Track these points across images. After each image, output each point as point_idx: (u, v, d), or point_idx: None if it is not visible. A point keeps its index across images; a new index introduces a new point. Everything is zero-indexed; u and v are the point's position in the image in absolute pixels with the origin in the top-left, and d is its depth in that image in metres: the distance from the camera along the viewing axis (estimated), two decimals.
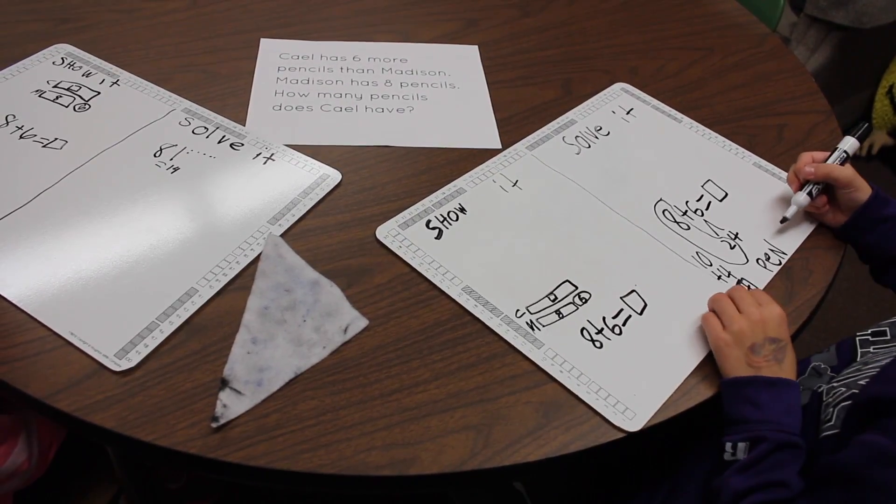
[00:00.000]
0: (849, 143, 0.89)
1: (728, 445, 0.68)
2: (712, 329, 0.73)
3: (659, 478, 0.82)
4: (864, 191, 0.84)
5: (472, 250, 0.82)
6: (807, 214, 0.91)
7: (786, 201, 0.93)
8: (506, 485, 0.94)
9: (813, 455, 0.68)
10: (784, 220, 0.88)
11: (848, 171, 0.84)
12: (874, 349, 0.74)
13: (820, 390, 0.74)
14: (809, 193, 0.86)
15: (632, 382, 0.72)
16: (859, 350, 0.75)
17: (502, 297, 0.77)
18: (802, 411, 0.71)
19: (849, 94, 2.28)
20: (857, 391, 0.67)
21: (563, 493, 0.91)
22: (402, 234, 0.82)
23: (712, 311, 0.75)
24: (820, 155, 0.87)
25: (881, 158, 2.33)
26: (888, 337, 0.74)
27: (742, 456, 0.67)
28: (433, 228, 0.84)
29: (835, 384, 0.72)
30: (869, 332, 0.77)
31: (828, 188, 0.87)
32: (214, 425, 0.64)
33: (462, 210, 0.86)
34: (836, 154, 0.87)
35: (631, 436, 0.68)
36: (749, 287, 0.82)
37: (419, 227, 0.84)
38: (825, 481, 0.62)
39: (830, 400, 0.70)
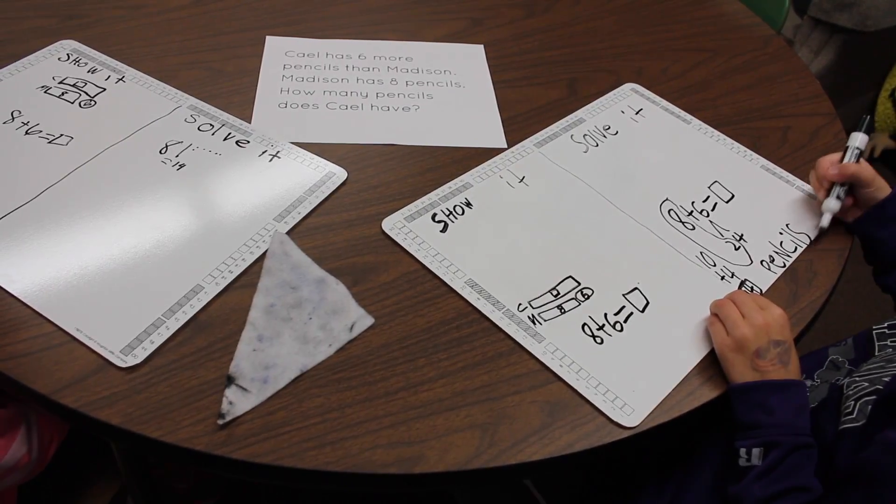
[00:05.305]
0: (858, 140, 0.89)
1: (742, 451, 0.68)
2: (716, 335, 0.74)
3: (669, 470, 0.82)
4: (883, 189, 0.85)
5: (476, 244, 0.82)
6: (813, 216, 0.91)
7: (793, 204, 0.93)
8: (513, 482, 0.94)
9: (832, 448, 0.68)
10: (822, 229, 0.88)
11: (871, 170, 0.85)
12: (892, 342, 0.74)
13: (840, 384, 0.74)
14: (838, 197, 0.87)
15: (631, 379, 0.72)
16: (877, 343, 0.75)
17: (505, 291, 0.78)
18: (822, 405, 0.72)
19: (852, 97, 2.28)
20: (881, 387, 0.68)
21: (574, 486, 0.92)
22: (407, 227, 0.83)
23: (715, 315, 0.75)
24: (836, 157, 0.88)
25: (883, 161, 2.33)
26: None
27: (757, 461, 0.67)
28: (439, 222, 0.84)
29: (856, 378, 0.72)
30: (885, 325, 0.77)
31: (849, 188, 0.87)
32: (220, 422, 0.64)
33: (468, 204, 0.86)
34: (850, 152, 0.88)
35: (636, 435, 0.68)
36: (752, 289, 0.82)
37: (425, 220, 0.84)
38: (848, 480, 0.62)
39: (851, 393, 0.71)
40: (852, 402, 0.70)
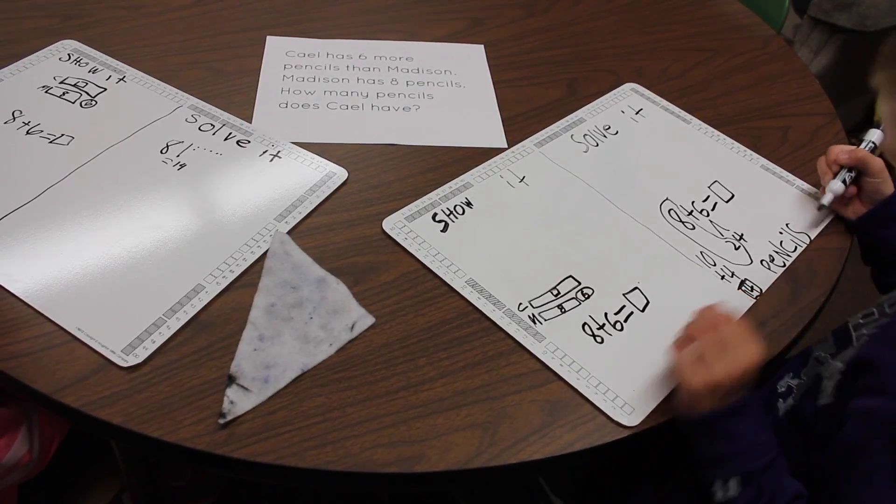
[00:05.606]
0: (876, 135, 0.91)
1: (718, 483, 0.65)
2: (693, 371, 0.66)
3: (669, 470, 0.82)
4: (890, 184, 0.85)
5: (477, 244, 0.82)
6: (813, 215, 0.91)
7: (793, 203, 0.94)
8: (514, 481, 0.94)
9: (811, 427, 0.69)
10: (821, 207, 0.89)
11: (881, 161, 0.86)
12: (866, 330, 0.75)
13: (819, 372, 0.74)
14: (844, 181, 0.87)
15: (631, 378, 0.72)
16: (853, 334, 0.76)
17: (505, 291, 0.78)
18: (804, 395, 0.72)
19: (851, 97, 2.27)
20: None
21: (579, 480, 0.92)
22: (408, 227, 0.83)
23: (689, 337, 0.69)
24: (848, 147, 0.89)
25: (883, 161, 2.34)
26: (876, 316, 0.75)
27: (735, 491, 0.64)
28: (439, 221, 0.84)
29: (832, 362, 0.73)
30: (860, 315, 0.77)
31: (856, 176, 0.88)
32: (221, 422, 0.64)
33: (468, 204, 0.87)
34: (865, 144, 0.89)
35: (636, 434, 0.68)
36: (752, 288, 0.82)
37: (425, 219, 0.84)
38: (836, 462, 0.61)
39: (826, 375, 0.71)
40: (826, 382, 0.70)
